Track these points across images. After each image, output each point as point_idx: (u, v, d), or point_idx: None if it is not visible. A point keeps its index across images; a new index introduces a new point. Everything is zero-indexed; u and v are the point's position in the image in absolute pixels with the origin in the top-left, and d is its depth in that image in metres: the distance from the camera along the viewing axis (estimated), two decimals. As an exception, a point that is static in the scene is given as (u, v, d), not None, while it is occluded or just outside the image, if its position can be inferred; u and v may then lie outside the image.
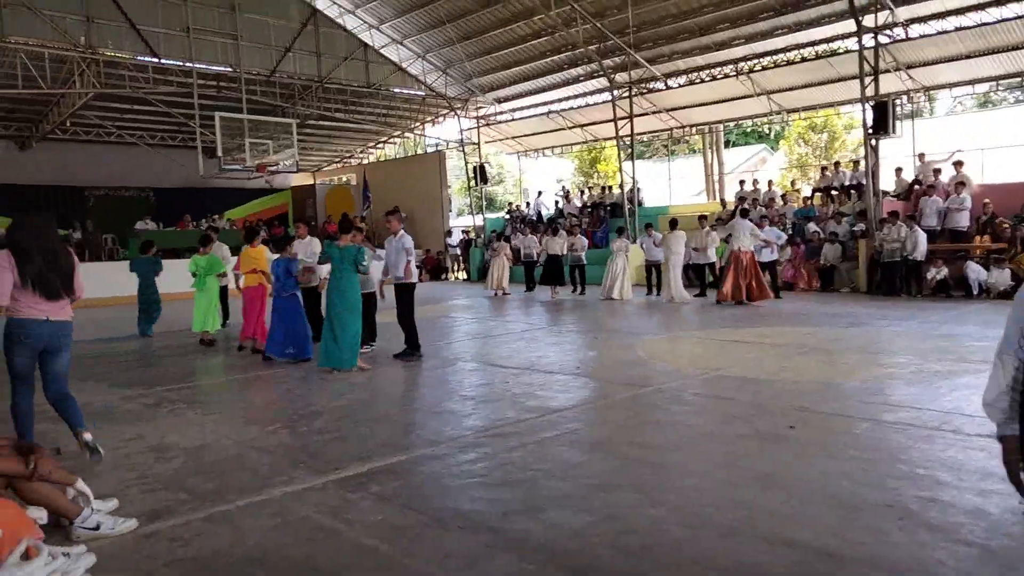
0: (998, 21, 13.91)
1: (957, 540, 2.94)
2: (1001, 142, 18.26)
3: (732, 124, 23.20)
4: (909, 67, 16.17)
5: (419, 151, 27.45)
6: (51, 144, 21.22)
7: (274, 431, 5.03)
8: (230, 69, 18.01)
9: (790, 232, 15.45)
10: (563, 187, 26.28)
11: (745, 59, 17.73)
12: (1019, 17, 13.55)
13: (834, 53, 16.71)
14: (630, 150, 19.29)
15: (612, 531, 3.14)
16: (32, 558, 2.60)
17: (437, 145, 25.67)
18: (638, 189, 19.98)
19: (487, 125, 24.12)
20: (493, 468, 4.07)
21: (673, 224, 13.80)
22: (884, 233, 13.16)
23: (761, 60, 17.63)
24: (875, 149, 14.12)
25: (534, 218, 22.53)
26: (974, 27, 14.22)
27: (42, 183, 20.88)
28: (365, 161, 28.22)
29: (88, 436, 4.33)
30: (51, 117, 19.26)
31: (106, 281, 14.80)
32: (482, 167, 22.67)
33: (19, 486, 3.12)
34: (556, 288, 15.18)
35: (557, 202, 23.01)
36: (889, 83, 15.42)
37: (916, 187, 14.87)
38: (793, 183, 21.40)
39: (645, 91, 19.47)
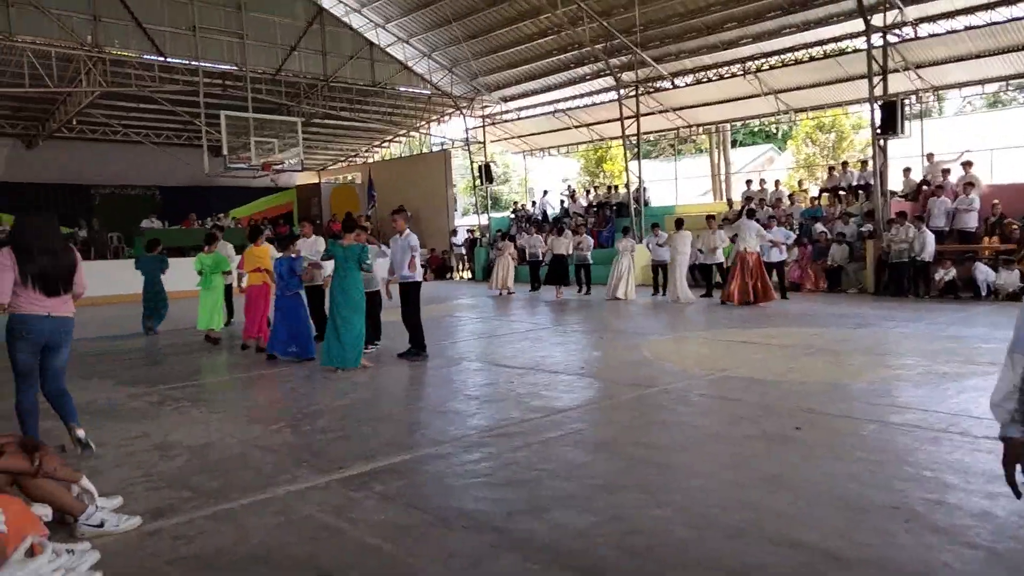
0: (1008, 20, 13.82)
1: (964, 543, 2.92)
2: (1011, 142, 18.15)
3: (739, 124, 23.12)
4: (918, 67, 16.08)
5: (424, 150, 27.47)
6: (57, 142, 21.32)
7: (278, 430, 5.03)
8: (236, 68, 18.05)
9: (797, 232, 15.38)
10: (569, 186, 26.24)
11: (752, 58, 17.67)
12: (1029, 16, 13.48)
13: (842, 52, 16.63)
14: (636, 149, 19.25)
15: (617, 532, 3.13)
16: (37, 555, 2.60)
17: (442, 144, 25.68)
18: (644, 189, 19.92)
19: (493, 124, 24.10)
20: (497, 468, 4.06)
21: (679, 224, 13.76)
22: (892, 234, 13.09)
23: (769, 59, 17.56)
24: (883, 149, 14.05)
25: (539, 217, 22.51)
26: (984, 26, 14.12)
27: (48, 181, 20.99)
28: (370, 160, 28.26)
29: (81, 432, 4.40)
30: (57, 115, 19.35)
31: (111, 279, 14.88)
32: (487, 166, 22.66)
33: (24, 483, 3.13)
34: (560, 288, 15.16)
35: (563, 201, 22.98)
36: (898, 83, 15.35)
37: (924, 187, 14.78)
38: (800, 183, 21.35)
39: (652, 90, 19.42)
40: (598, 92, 21.08)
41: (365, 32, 20.65)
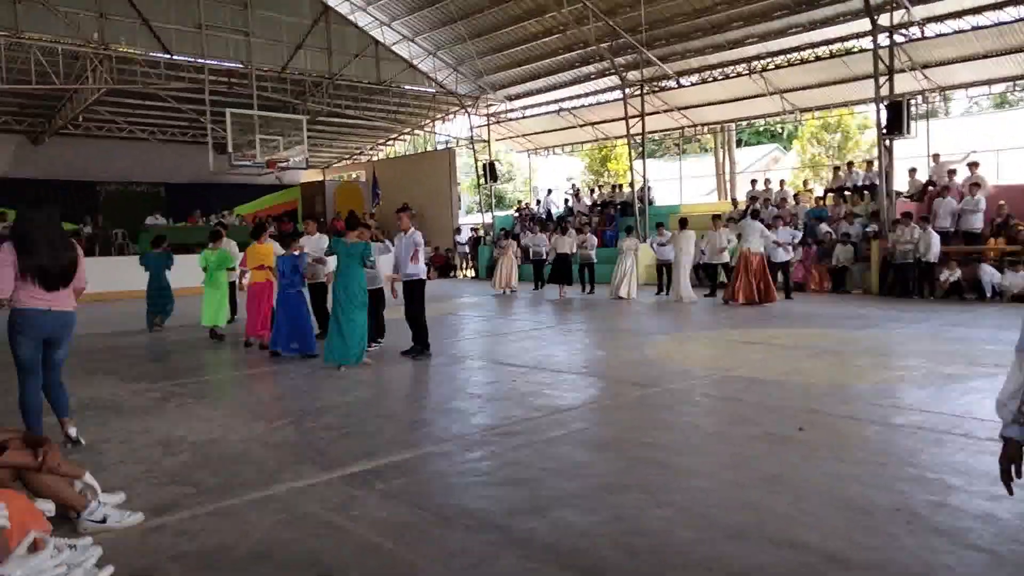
0: (1016, 20, 13.76)
1: (966, 545, 2.91)
2: (1017, 143, 18.09)
3: (744, 123, 23.06)
4: (925, 67, 16.02)
5: (429, 148, 27.47)
6: (63, 139, 21.38)
7: (281, 427, 5.04)
8: (241, 65, 18.08)
9: (801, 232, 15.33)
10: (573, 185, 26.19)
11: (758, 57, 17.62)
12: (1037, 17, 13.41)
13: (848, 52, 16.58)
14: (641, 148, 19.22)
15: (618, 531, 3.13)
16: (39, 550, 2.62)
17: (447, 142, 25.68)
18: (649, 188, 19.90)
19: (497, 122, 24.10)
20: (499, 467, 4.06)
21: (683, 223, 13.73)
22: (897, 234, 13.05)
23: (774, 59, 17.52)
24: (889, 149, 14.00)
25: (543, 216, 22.50)
26: (991, 26, 14.07)
27: (54, 178, 21.03)
28: (375, 158, 28.28)
29: (72, 430, 4.42)
30: (64, 112, 19.41)
31: (115, 276, 14.92)
32: (492, 165, 22.66)
33: (28, 478, 3.15)
34: (564, 287, 15.16)
35: (567, 200, 22.96)
36: (904, 83, 15.28)
37: (930, 188, 14.73)
38: (805, 183, 21.24)
39: (657, 89, 19.39)
40: (603, 91, 21.06)
41: (370, 30, 20.67)
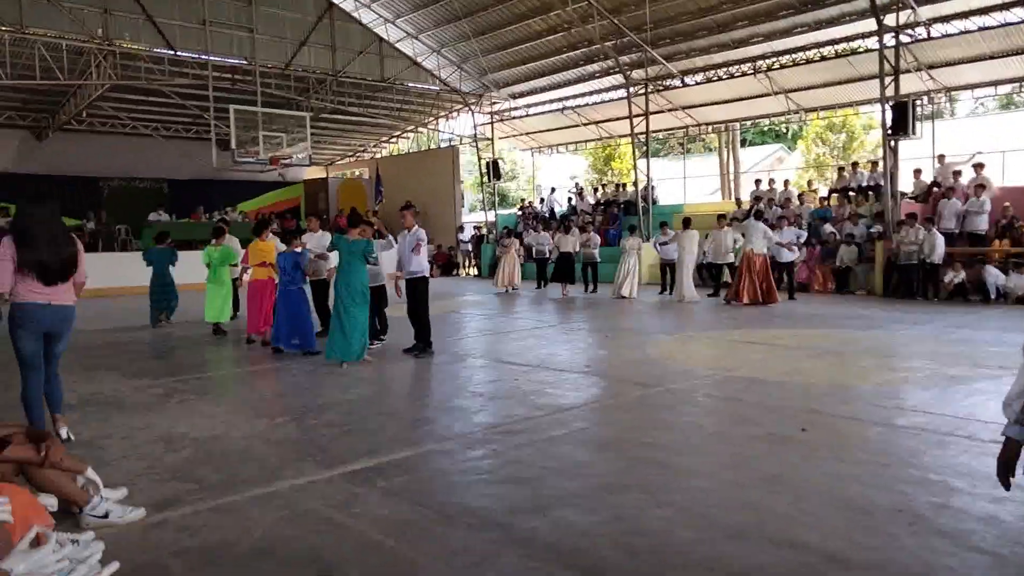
0: (1023, 21, 13.69)
1: (968, 547, 2.90)
2: (1023, 144, 18.00)
3: (749, 123, 23.00)
4: (930, 67, 15.96)
5: (432, 146, 27.46)
6: (67, 135, 21.39)
7: (282, 423, 5.05)
8: (245, 62, 18.08)
9: (806, 233, 15.30)
10: (576, 184, 26.16)
11: (763, 57, 17.57)
12: (1044, 18, 13.36)
13: (854, 52, 16.51)
14: (645, 148, 19.19)
15: (619, 531, 3.13)
16: (42, 544, 2.62)
17: (451, 140, 25.65)
18: (652, 187, 19.88)
19: (501, 121, 24.07)
20: (501, 465, 4.06)
21: (686, 223, 13.71)
22: (901, 235, 13.01)
23: (780, 58, 17.46)
24: (894, 150, 13.96)
25: (547, 215, 22.48)
26: (998, 27, 14.00)
27: (57, 173, 21.07)
28: (378, 155, 28.26)
29: (64, 429, 4.44)
30: (67, 108, 19.42)
31: (118, 271, 14.94)
32: (495, 163, 22.62)
33: (30, 473, 3.15)
34: (567, 286, 15.14)
35: (570, 199, 22.93)
36: (910, 83, 15.24)
37: (935, 189, 14.68)
38: (810, 183, 21.21)
39: (661, 88, 19.35)
40: (607, 89, 21.02)
41: (374, 27, 20.65)
